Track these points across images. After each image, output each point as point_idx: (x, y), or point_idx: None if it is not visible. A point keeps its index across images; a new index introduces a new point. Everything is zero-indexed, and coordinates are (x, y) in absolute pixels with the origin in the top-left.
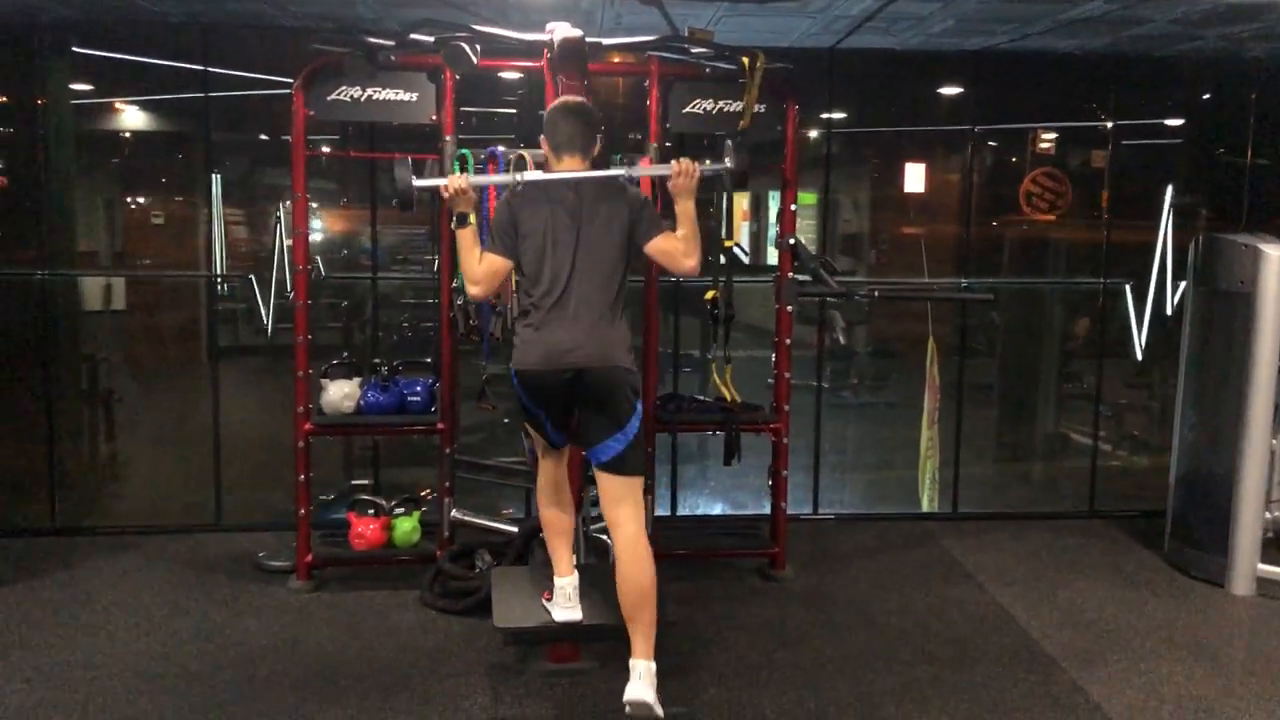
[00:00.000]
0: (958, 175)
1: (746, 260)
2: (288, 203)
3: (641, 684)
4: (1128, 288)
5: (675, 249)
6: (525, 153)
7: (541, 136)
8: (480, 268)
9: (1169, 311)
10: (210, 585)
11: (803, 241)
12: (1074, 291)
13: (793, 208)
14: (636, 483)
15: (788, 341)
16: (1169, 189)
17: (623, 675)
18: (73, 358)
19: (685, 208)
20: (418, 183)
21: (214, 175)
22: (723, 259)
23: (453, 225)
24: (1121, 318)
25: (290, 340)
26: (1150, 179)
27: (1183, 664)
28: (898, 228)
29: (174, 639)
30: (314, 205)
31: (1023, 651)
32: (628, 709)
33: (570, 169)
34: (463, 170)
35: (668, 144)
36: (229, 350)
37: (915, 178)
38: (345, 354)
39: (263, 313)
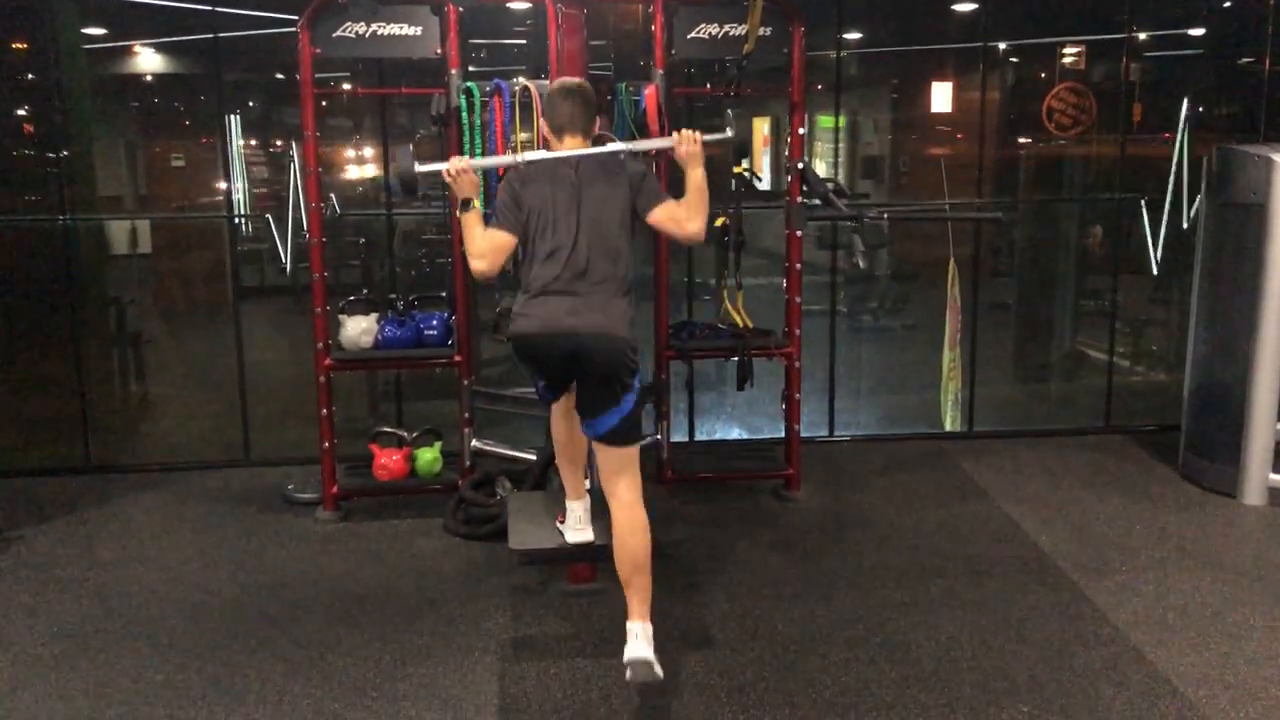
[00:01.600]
0: (978, 94)
1: (762, 185)
2: (301, 140)
3: (640, 643)
4: (1143, 204)
5: (677, 215)
6: (531, 83)
7: (541, 119)
8: (484, 243)
9: (1185, 225)
10: (241, 518)
11: (811, 165)
12: (1091, 209)
13: (801, 132)
14: (633, 452)
15: (798, 266)
16: (1185, 101)
17: None
18: (100, 301)
19: (695, 176)
20: (420, 168)
21: (230, 116)
22: (733, 185)
23: (458, 211)
24: (1138, 234)
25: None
26: (1170, 91)
27: (1190, 573)
28: (919, 149)
29: (207, 568)
30: (329, 143)
31: (1032, 564)
32: (628, 671)
33: (571, 148)
34: (469, 105)
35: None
36: (252, 290)
37: (942, 97)
38: (364, 290)
39: (282, 252)
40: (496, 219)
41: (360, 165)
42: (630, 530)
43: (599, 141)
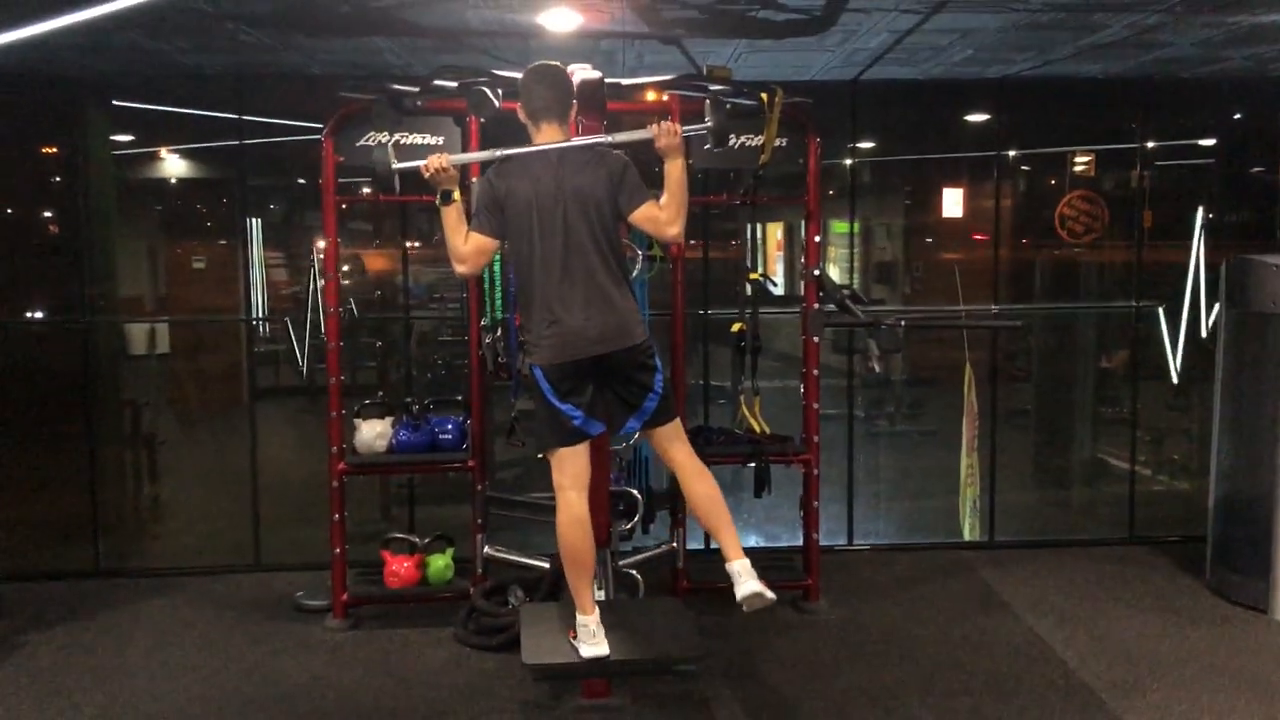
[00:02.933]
0: (990, 201)
1: (777, 291)
2: (321, 245)
3: (748, 578)
4: (1161, 310)
5: (658, 216)
6: None
7: (517, 104)
8: (466, 246)
9: (1204, 333)
10: (249, 625)
11: (828, 272)
12: (1108, 315)
13: (816, 239)
14: (677, 423)
15: (815, 372)
16: (1200, 210)
17: (656, 712)
18: (116, 401)
19: (674, 168)
20: (397, 165)
21: (251, 220)
22: (748, 290)
23: (437, 202)
24: (1157, 341)
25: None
26: (1183, 200)
27: (1224, 693)
28: (932, 255)
29: (213, 679)
30: (351, 247)
31: (1060, 682)
32: (744, 607)
33: (549, 138)
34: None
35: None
36: (268, 391)
37: (953, 203)
38: (380, 394)
39: (298, 354)
40: (476, 222)
41: (380, 266)
42: (695, 476)
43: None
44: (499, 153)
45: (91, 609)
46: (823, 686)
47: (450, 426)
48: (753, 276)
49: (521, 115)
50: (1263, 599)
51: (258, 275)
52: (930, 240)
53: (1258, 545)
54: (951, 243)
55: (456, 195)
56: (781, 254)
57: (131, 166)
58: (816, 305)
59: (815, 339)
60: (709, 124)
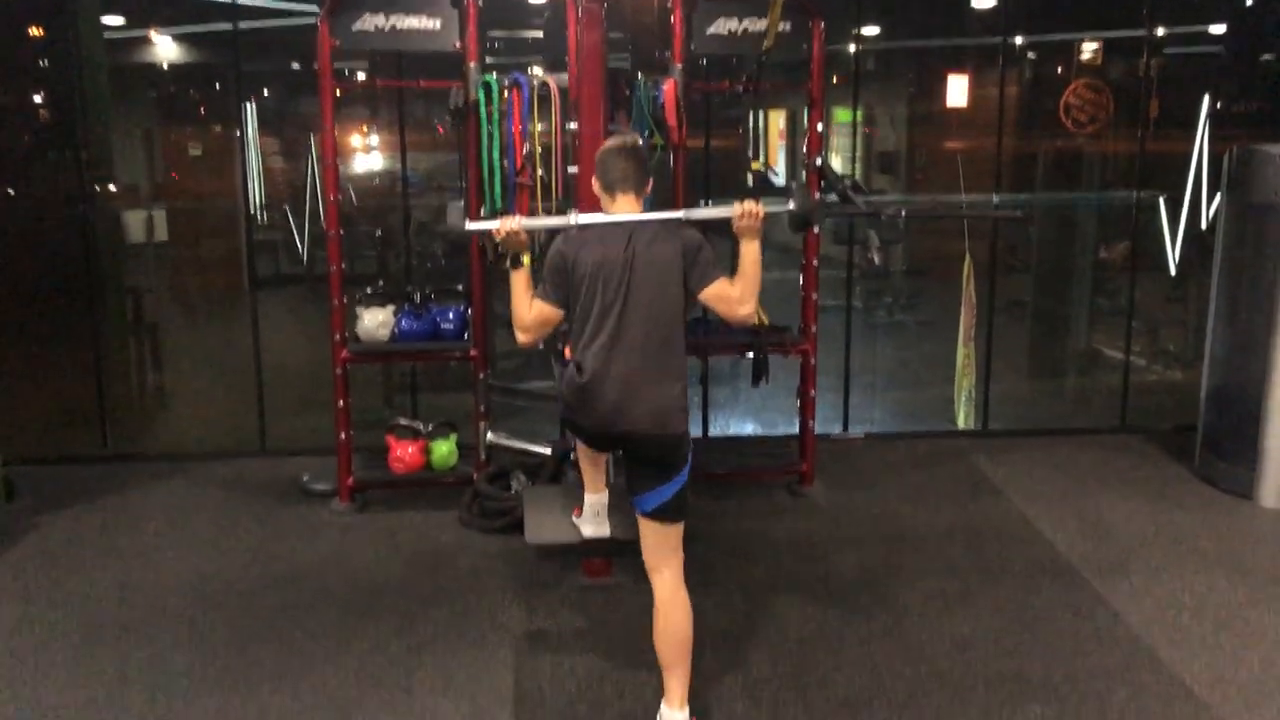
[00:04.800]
0: (995, 90)
1: (778, 181)
2: (318, 132)
3: None
4: (1161, 201)
5: (729, 295)
6: (549, 78)
7: (594, 177)
8: (530, 315)
9: (1204, 225)
10: (256, 508)
11: (830, 162)
12: (1109, 206)
13: (819, 128)
14: (679, 530)
15: (815, 263)
16: (1206, 98)
17: (652, 590)
18: (118, 289)
19: (749, 250)
20: (470, 226)
21: (246, 105)
22: (750, 180)
23: (507, 265)
24: (1156, 232)
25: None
26: (1190, 89)
27: (1206, 574)
28: (935, 143)
29: (222, 559)
30: (346, 133)
31: (1047, 564)
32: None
33: (624, 207)
34: (487, 98)
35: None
36: (269, 279)
37: (958, 91)
38: (380, 282)
39: (298, 242)
40: (543, 289)
41: (377, 156)
42: (673, 607)
43: (612, 135)
44: (573, 219)
45: (102, 492)
46: (815, 568)
47: (452, 316)
48: (754, 167)
49: (596, 187)
50: (1249, 486)
51: (254, 162)
52: (933, 129)
53: (1246, 433)
54: (955, 132)
55: (526, 261)
56: (783, 143)
57: (124, 51)
58: (818, 195)
59: (816, 230)
60: (791, 207)
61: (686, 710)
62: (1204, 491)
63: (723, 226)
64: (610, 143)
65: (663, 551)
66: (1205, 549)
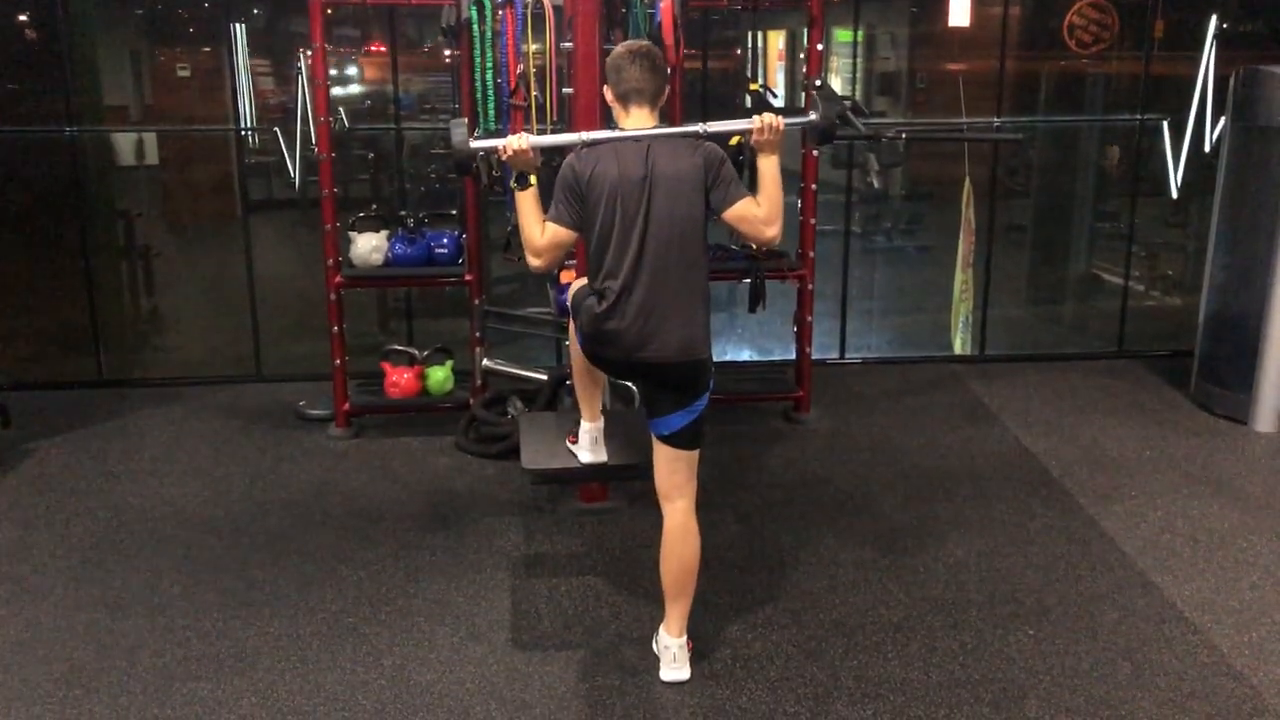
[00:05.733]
0: (998, 9)
1: (777, 102)
2: (308, 52)
3: (681, 661)
4: (1165, 124)
5: (755, 215)
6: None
7: (605, 86)
8: (543, 239)
9: (1208, 148)
10: (254, 433)
11: (830, 83)
12: (1111, 128)
13: (819, 48)
14: (694, 457)
15: (814, 187)
16: (1213, 19)
17: (650, 515)
18: (108, 213)
19: (769, 164)
20: (475, 144)
21: (236, 26)
22: (748, 102)
23: (512, 184)
24: (1159, 155)
25: (319, 192)
26: (1195, 7)
27: (1199, 499)
28: (937, 65)
29: (220, 484)
30: (336, 54)
31: (1041, 488)
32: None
33: (639, 122)
34: (480, 16)
35: None
36: (261, 204)
37: (960, 10)
38: (373, 206)
39: (290, 166)
40: (555, 210)
41: (371, 75)
42: (683, 537)
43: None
44: (584, 135)
45: (98, 417)
46: (810, 492)
47: (446, 240)
48: (753, 87)
49: (608, 97)
50: (1244, 411)
51: (244, 84)
52: (935, 50)
53: (1243, 359)
54: (957, 53)
55: (533, 180)
56: (783, 64)
57: None
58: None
59: (815, 152)
60: (813, 119)
61: (685, 638)
62: (1199, 417)
63: None
64: (622, 47)
65: (677, 479)
66: (1199, 474)
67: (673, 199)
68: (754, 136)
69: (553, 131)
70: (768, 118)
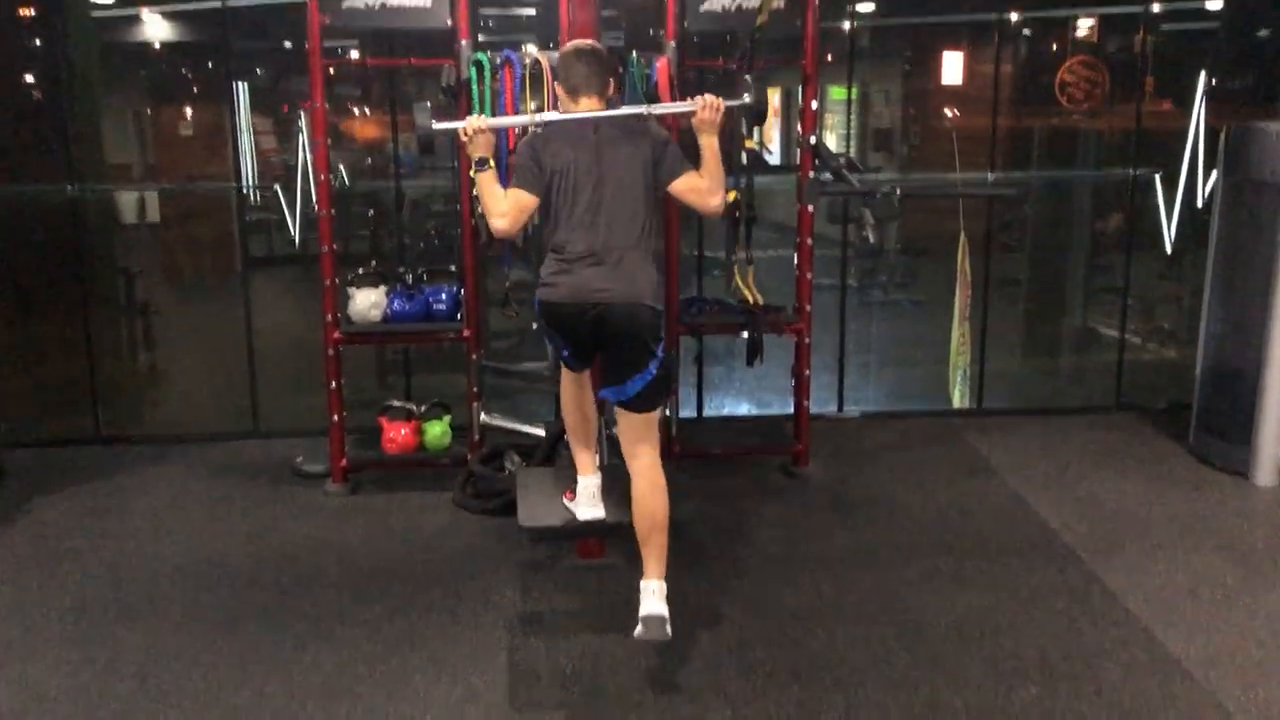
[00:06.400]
0: (990, 67)
1: (772, 159)
2: (309, 110)
3: (655, 600)
4: (1158, 178)
5: (699, 187)
6: (541, 55)
7: (556, 82)
8: (505, 203)
9: (1200, 202)
10: (250, 490)
11: (824, 140)
12: (1104, 183)
13: (813, 106)
14: (653, 417)
15: (810, 241)
16: (1202, 75)
17: None
18: (109, 270)
19: (710, 143)
20: (437, 126)
21: (238, 85)
22: (744, 158)
23: (471, 172)
24: (1152, 210)
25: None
26: (1184, 65)
27: (1201, 553)
28: (930, 121)
29: (216, 541)
30: (337, 112)
31: (1042, 543)
32: (640, 627)
33: (588, 109)
34: (479, 76)
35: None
36: (261, 260)
37: (953, 68)
38: (372, 262)
39: (290, 223)
40: (517, 178)
41: (369, 135)
42: (649, 488)
43: (613, 107)
44: (540, 117)
45: (94, 474)
46: (810, 547)
47: (444, 296)
48: (748, 144)
49: (559, 90)
50: (1244, 464)
51: (246, 142)
52: (928, 107)
53: (1242, 411)
54: (951, 109)
55: (491, 163)
56: (778, 120)
57: (113, 30)
58: (812, 174)
59: (810, 208)
60: (748, 99)
61: (662, 581)
62: (1199, 470)
63: None
64: (569, 46)
65: (638, 437)
66: (1201, 528)
67: (621, 176)
68: (697, 114)
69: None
70: (709, 98)
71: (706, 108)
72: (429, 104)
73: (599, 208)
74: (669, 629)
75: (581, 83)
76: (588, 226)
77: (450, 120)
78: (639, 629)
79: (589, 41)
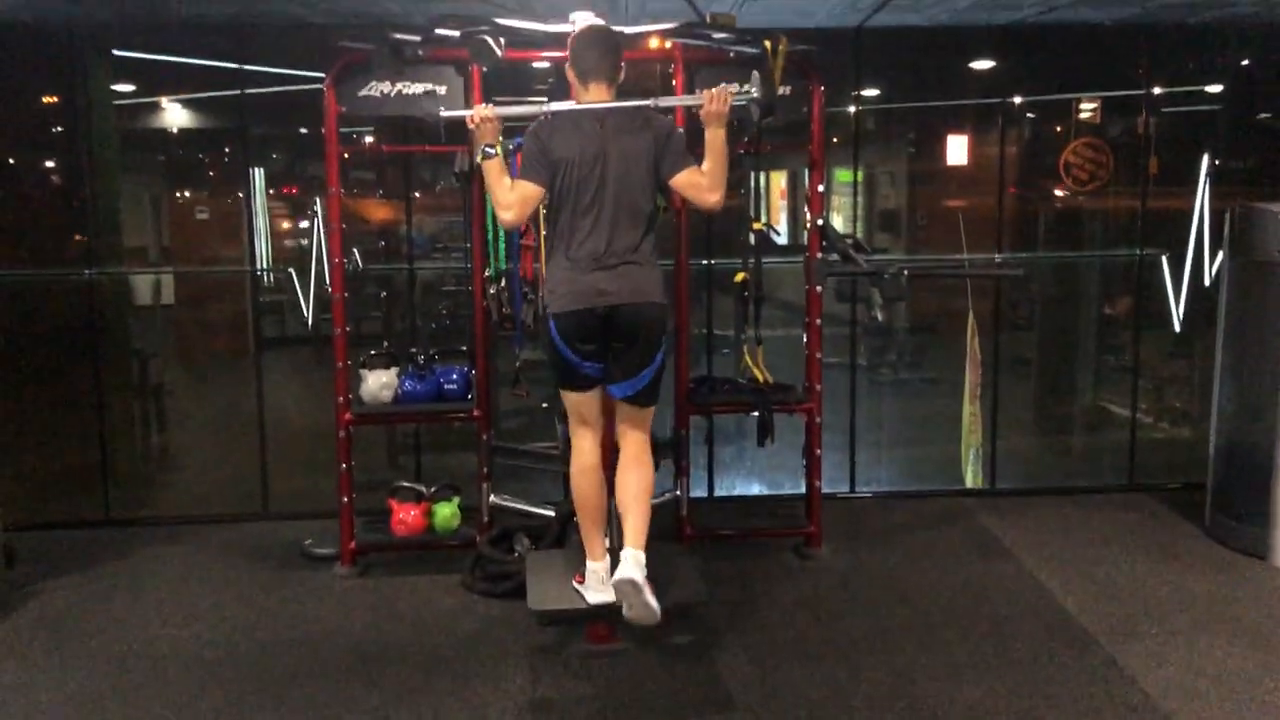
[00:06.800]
0: (995, 148)
1: (780, 240)
2: (323, 196)
3: (629, 565)
4: (1164, 259)
5: (700, 183)
6: None
7: (566, 65)
8: (512, 194)
9: (1207, 282)
10: (258, 573)
11: (831, 222)
12: (1112, 264)
13: (820, 189)
14: (649, 412)
15: (818, 322)
16: (1206, 156)
17: (660, 656)
18: (123, 352)
19: (715, 135)
20: (445, 113)
21: (254, 170)
22: (752, 239)
23: (478, 158)
24: (1160, 289)
25: (331, 330)
26: (1189, 146)
27: (1222, 639)
28: (936, 202)
29: (224, 625)
30: (351, 195)
31: (1059, 627)
32: (614, 592)
33: (596, 98)
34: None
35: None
36: (274, 341)
37: (958, 150)
38: (385, 344)
39: (304, 305)
40: (524, 170)
41: (384, 216)
42: (635, 462)
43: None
44: (546, 107)
45: (104, 557)
46: (824, 631)
47: (455, 376)
48: (756, 226)
49: (570, 75)
50: (1262, 545)
51: (262, 225)
52: (934, 188)
53: (1258, 492)
54: (956, 191)
55: (498, 150)
56: (785, 203)
57: (133, 117)
58: (820, 255)
59: (818, 288)
60: (755, 94)
61: (641, 550)
62: (1215, 551)
63: None
64: (581, 29)
65: (633, 425)
66: (1220, 612)
67: (625, 168)
68: (704, 107)
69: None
70: (716, 90)
71: (714, 99)
72: (436, 90)
73: (603, 203)
74: (649, 598)
75: (591, 68)
76: (592, 224)
77: (459, 110)
78: (613, 594)
79: (601, 25)
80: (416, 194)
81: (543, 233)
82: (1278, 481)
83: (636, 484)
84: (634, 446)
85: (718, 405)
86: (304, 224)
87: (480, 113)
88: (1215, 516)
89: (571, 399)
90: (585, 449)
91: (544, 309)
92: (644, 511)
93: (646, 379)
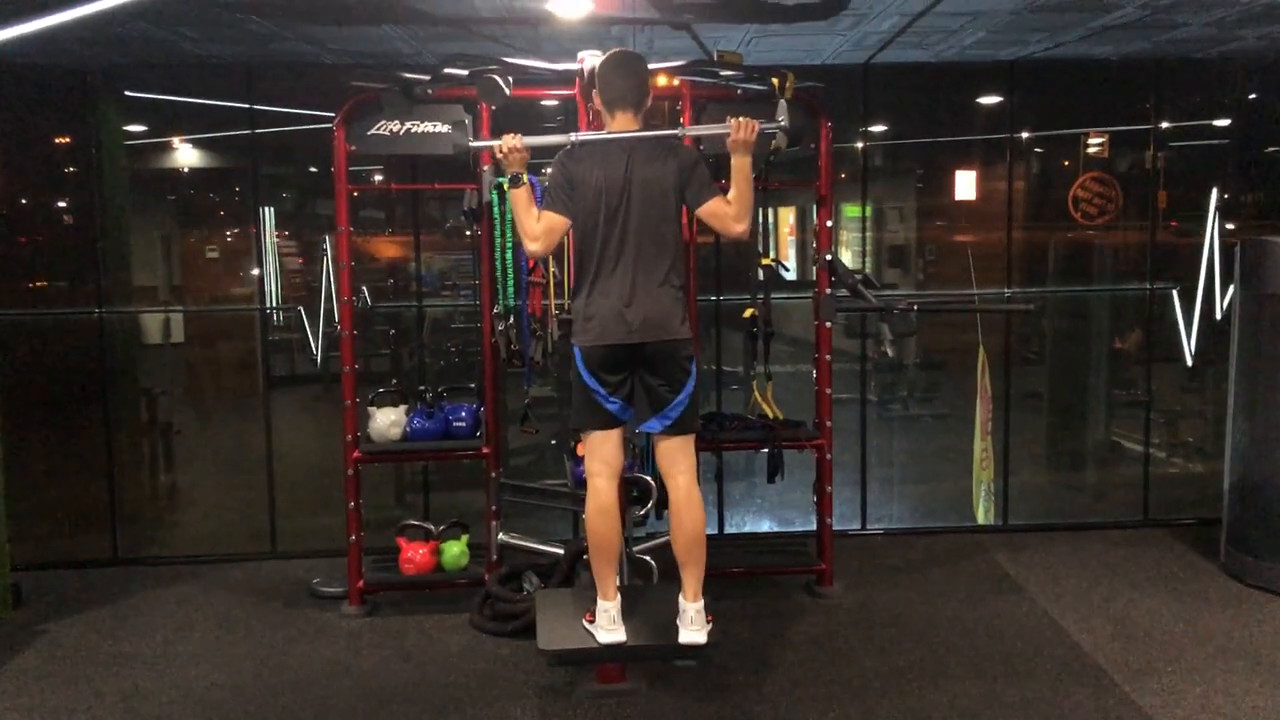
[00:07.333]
0: (1004, 183)
1: (789, 276)
2: (333, 235)
3: (695, 627)
4: (1175, 293)
5: (726, 212)
6: None
7: (594, 91)
8: (539, 226)
9: (1219, 315)
10: (266, 612)
11: (840, 258)
12: (1123, 298)
13: (828, 224)
14: (690, 439)
15: (828, 357)
16: (1214, 191)
17: (670, 697)
18: (132, 390)
19: (742, 164)
20: (474, 144)
21: (264, 209)
22: (761, 275)
23: (507, 186)
24: (1171, 323)
25: (340, 368)
26: (1198, 181)
27: (1238, 675)
28: (945, 237)
29: (231, 665)
30: (360, 233)
31: (1074, 664)
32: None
33: (623, 125)
34: (500, 196)
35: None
36: (283, 380)
37: (966, 185)
38: (393, 381)
39: (312, 343)
40: (549, 200)
41: (393, 254)
42: (687, 507)
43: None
44: (573, 136)
45: (111, 597)
46: (837, 670)
47: (464, 414)
48: (765, 262)
49: (596, 103)
50: (1278, 581)
51: (271, 264)
52: (943, 223)
53: (1273, 527)
54: (964, 226)
55: (525, 179)
56: (794, 239)
57: (144, 157)
58: (829, 290)
59: (828, 324)
60: (783, 123)
61: (701, 601)
62: (1231, 587)
63: None
64: (608, 56)
65: (676, 460)
66: (1236, 649)
67: (650, 195)
68: (731, 135)
69: (570, 306)
70: (743, 119)
71: (741, 128)
72: (467, 121)
73: (625, 235)
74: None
75: (617, 97)
76: (618, 254)
77: (487, 140)
78: (677, 649)
79: (629, 51)
80: (423, 234)
81: (551, 270)
82: None
83: (692, 526)
84: (683, 487)
85: (727, 441)
86: (314, 263)
87: (509, 142)
88: (1230, 552)
89: (591, 439)
90: (602, 489)
91: (557, 337)
92: (702, 558)
93: (682, 406)
